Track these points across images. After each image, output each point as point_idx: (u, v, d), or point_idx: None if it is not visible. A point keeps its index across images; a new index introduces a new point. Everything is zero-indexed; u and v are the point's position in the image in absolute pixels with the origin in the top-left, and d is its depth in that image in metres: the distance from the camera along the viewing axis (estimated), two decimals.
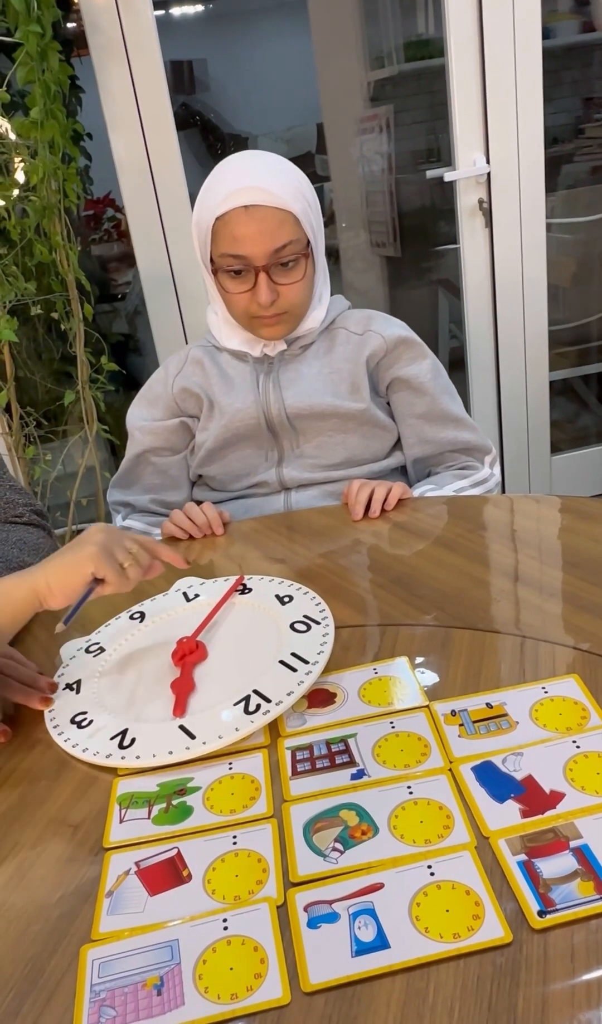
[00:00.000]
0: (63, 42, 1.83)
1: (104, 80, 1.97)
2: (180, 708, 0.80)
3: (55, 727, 0.82)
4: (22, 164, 1.82)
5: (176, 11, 4.09)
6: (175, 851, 0.67)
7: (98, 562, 0.82)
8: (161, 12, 1.99)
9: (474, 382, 2.37)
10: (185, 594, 1.01)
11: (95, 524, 0.87)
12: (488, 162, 2.14)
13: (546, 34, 2.11)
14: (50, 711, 0.85)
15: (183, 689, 0.82)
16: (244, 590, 0.99)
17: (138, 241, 2.10)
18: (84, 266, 1.98)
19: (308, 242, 1.20)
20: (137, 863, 0.66)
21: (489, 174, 2.15)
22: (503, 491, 1.32)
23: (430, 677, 0.82)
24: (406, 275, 3.04)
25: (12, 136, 1.79)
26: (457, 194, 2.19)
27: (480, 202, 2.19)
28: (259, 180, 1.14)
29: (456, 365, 2.45)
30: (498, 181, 2.16)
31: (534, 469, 2.50)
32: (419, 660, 0.84)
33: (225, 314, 1.28)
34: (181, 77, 4.18)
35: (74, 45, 2.23)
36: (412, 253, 2.93)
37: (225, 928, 0.60)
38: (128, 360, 2.87)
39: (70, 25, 2.19)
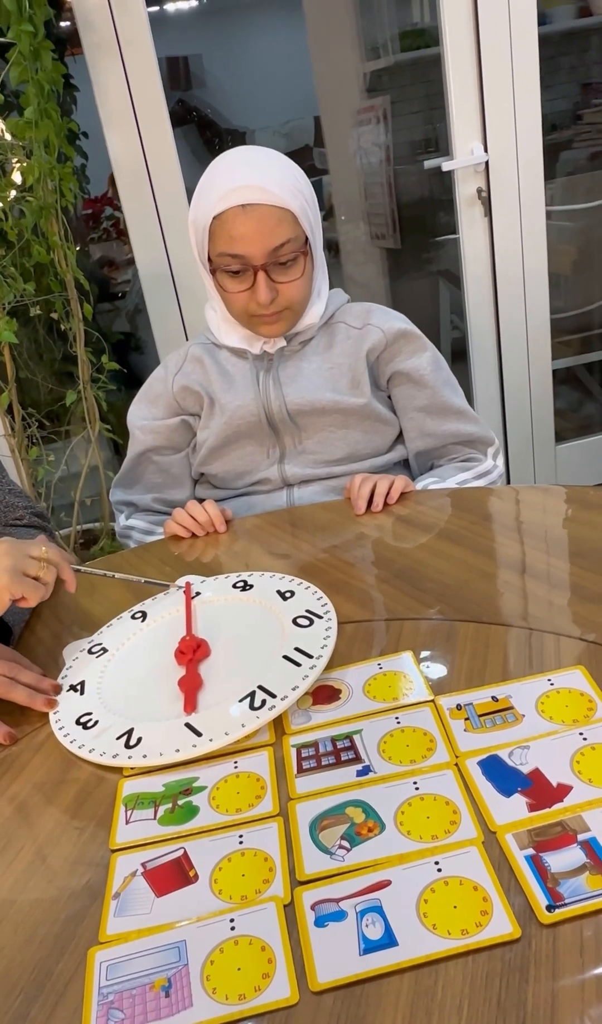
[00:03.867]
0: (56, 41, 1.82)
1: (98, 78, 1.96)
2: (191, 705, 0.80)
3: (60, 728, 0.82)
4: (18, 164, 1.81)
5: (170, 7, 4.07)
6: (181, 851, 0.67)
7: (12, 587, 0.87)
8: (155, 8, 1.98)
9: (476, 372, 2.36)
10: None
11: None
12: (486, 151, 2.12)
13: (543, 20, 2.09)
14: (55, 713, 0.85)
15: (192, 686, 0.82)
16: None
17: (136, 239, 2.10)
18: (83, 265, 1.97)
19: (306, 239, 1.19)
20: (143, 864, 0.66)
21: (487, 163, 2.14)
22: (508, 482, 1.31)
23: (435, 671, 0.81)
24: (406, 266, 3.03)
25: (7, 136, 1.79)
26: (456, 184, 2.18)
27: (479, 191, 2.17)
28: (256, 178, 1.13)
29: (458, 356, 2.44)
30: (496, 170, 2.15)
31: (539, 459, 2.49)
32: (424, 654, 0.84)
33: (223, 312, 1.27)
34: (177, 73, 4.17)
35: (67, 44, 2.22)
36: (412, 244, 2.91)
37: (232, 928, 0.59)
38: (129, 359, 2.86)
39: (63, 24, 2.19)
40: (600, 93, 2.87)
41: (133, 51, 1.94)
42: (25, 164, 1.79)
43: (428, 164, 2.19)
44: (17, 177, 1.83)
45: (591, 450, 2.57)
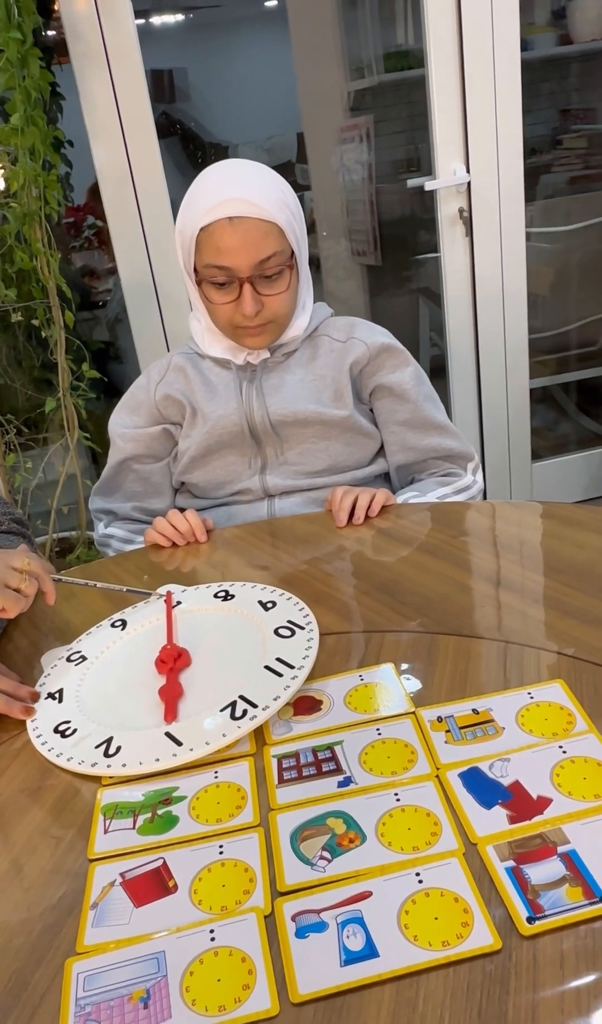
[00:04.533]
0: (43, 49, 1.82)
1: (85, 88, 1.97)
2: (171, 714, 0.79)
3: (38, 736, 0.81)
4: (2, 171, 1.81)
5: (156, 20, 4.10)
6: (161, 861, 0.66)
7: None
8: (141, 21, 1.99)
9: (455, 390, 2.38)
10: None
11: None
12: (468, 172, 2.15)
13: (524, 46, 2.13)
14: (32, 721, 0.84)
15: (172, 695, 0.81)
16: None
17: (120, 249, 2.10)
18: (65, 273, 1.97)
19: (292, 253, 1.20)
20: (122, 874, 0.65)
21: (469, 183, 2.17)
22: (485, 498, 1.32)
23: (416, 683, 0.81)
24: (387, 283, 3.05)
25: None
26: (438, 203, 2.21)
27: (460, 211, 2.20)
28: (244, 191, 1.14)
29: (437, 373, 2.46)
30: (478, 190, 2.18)
31: (515, 476, 2.51)
32: (405, 666, 0.84)
33: (208, 322, 1.28)
34: (161, 85, 4.18)
35: (54, 52, 2.23)
36: (392, 261, 2.94)
37: (212, 939, 0.59)
38: (109, 368, 2.86)
39: (49, 33, 2.19)
40: (579, 119, 2.93)
41: (121, 62, 1.95)
42: (10, 170, 1.78)
43: (411, 183, 2.22)
44: (0, 183, 1.82)
45: (566, 469, 2.60)
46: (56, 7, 1.95)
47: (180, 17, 4.17)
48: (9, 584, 0.89)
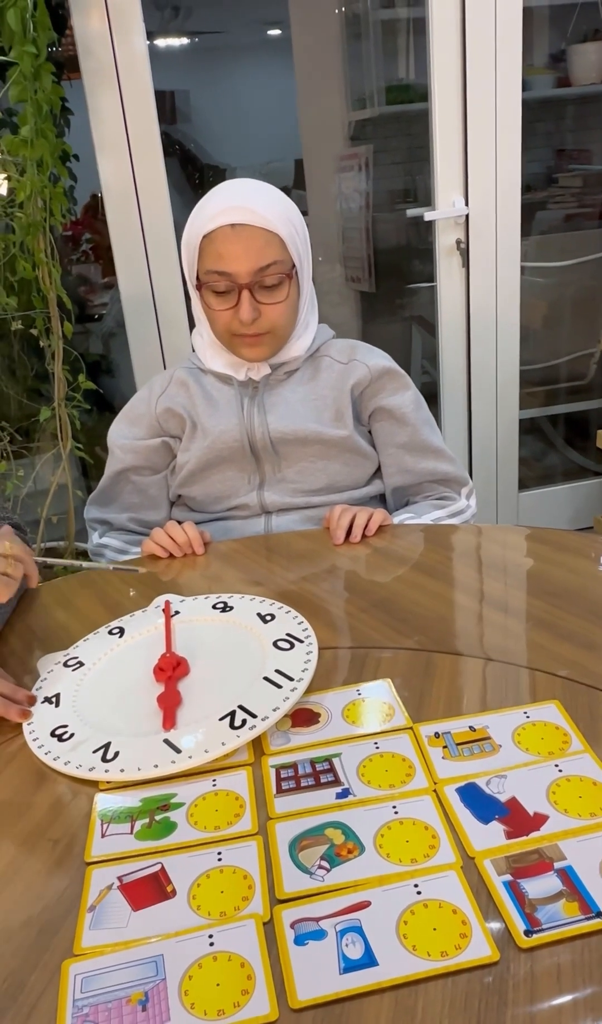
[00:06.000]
0: (54, 64, 1.85)
1: (94, 104, 1.99)
2: (170, 721, 0.80)
3: (35, 740, 0.81)
4: (7, 180, 1.82)
5: (161, 42, 4.15)
6: (159, 866, 0.66)
7: None
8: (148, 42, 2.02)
9: (446, 417, 2.41)
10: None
11: None
12: (467, 204, 2.20)
13: (523, 87, 2.19)
14: (29, 724, 0.84)
15: (171, 703, 0.82)
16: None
17: (121, 263, 2.11)
18: (64, 285, 1.98)
19: (293, 265, 1.22)
20: (120, 878, 0.65)
21: (468, 216, 2.21)
22: None
23: (413, 700, 0.82)
24: (380, 310, 3.09)
25: None
26: (436, 233, 2.25)
27: (458, 242, 2.24)
28: (248, 201, 1.17)
29: (428, 400, 2.48)
30: (476, 223, 2.22)
31: (502, 505, 2.54)
32: (402, 683, 0.85)
33: (210, 336, 1.29)
34: (163, 106, 4.21)
35: (64, 67, 2.26)
36: (386, 289, 2.98)
37: (211, 944, 0.59)
38: (100, 381, 2.86)
39: (56, 48, 2.22)
40: (574, 159, 3.00)
41: (131, 81, 1.98)
42: (17, 181, 1.80)
43: (411, 213, 2.26)
44: (4, 190, 1.84)
45: (552, 499, 2.64)
46: (70, 24, 1.98)
47: (185, 41, 4.22)
48: None
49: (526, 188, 2.28)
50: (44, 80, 1.78)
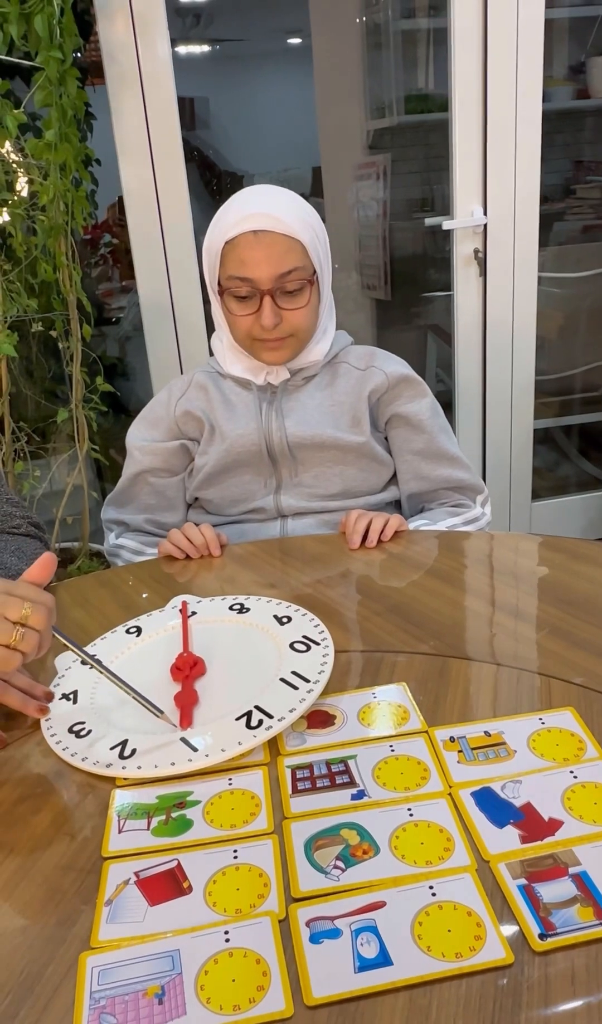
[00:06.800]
0: (79, 70, 1.87)
1: (118, 109, 2.01)
2: (187, 720, 0.80)
3: (52, 735, 0.82)
4: (29, 183, 1.84)
5: (182, 49, 4.18)
6: (175, 863, 0.67)
7: None
8: None
9: (461, 426, 2.42)
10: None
11: None
12: (485, 214, 2.21)
13: (542, 98, 2.20)
14: (47, 720, 0.84)
15: (187, 702, 0.82)
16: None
17: (140, 268, 2.13)
18: (85, 287, 2.00)
19: (314, 271, 1.23)
20: (137, 873, 0.66)
21: (486, 225, 2.22)
22: None
23: (428, 704, 0.83)
24: (395, 318, 3.10)
25: (19, 156, 1.82)
26: (454, 243, 2.25)
27: (476, 252, 2.25)
28: (270, 208, 1.18)
29: (443, 409, 2.50)
30: (494, 233, 2.23)
31: (515, 514, 2.54)
32: (417, 687, 0.85)
33: (230, 341, 1.30)
34: (182, 112, 4.25)
35: (88, 73, 2.28)
36: (402, 297, 2.99)
37: (227, 940, 0.60)
38: (116, 383, 2.88)
39: (78, 54, 2.24)
40: (592, 171, 3.01)
41: (154, 88, 2.00)
42: (41, 184, 1.82)
43: (429, 222, 2.27)
44: (25, 192, 1.85)
45: (564, 510, 2.63)
46: (95, 30, 2.00)
47: (206, 48, 4.25)
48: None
49: (544, 199, 2.29)
50: (69, 85, 1.80)
